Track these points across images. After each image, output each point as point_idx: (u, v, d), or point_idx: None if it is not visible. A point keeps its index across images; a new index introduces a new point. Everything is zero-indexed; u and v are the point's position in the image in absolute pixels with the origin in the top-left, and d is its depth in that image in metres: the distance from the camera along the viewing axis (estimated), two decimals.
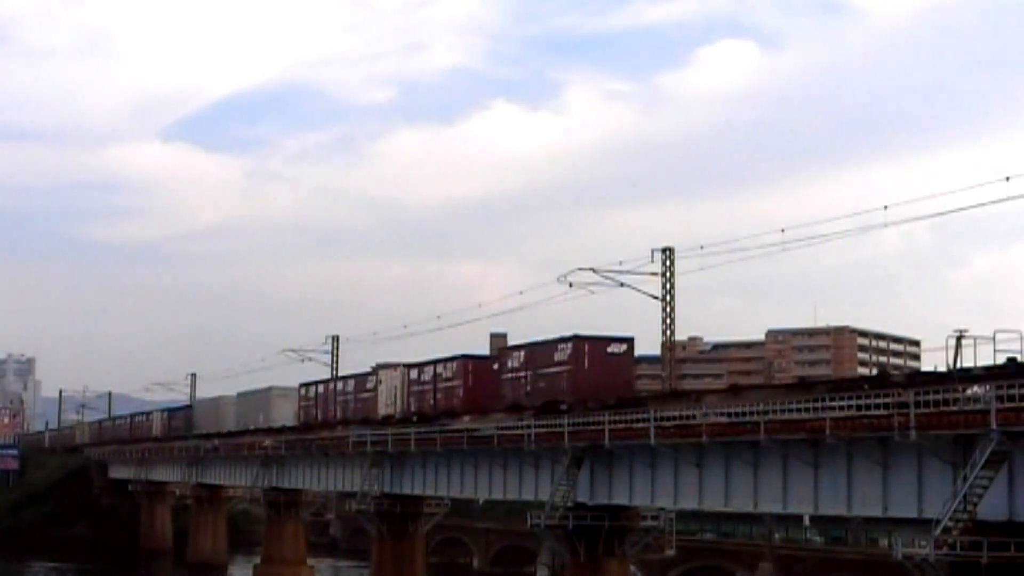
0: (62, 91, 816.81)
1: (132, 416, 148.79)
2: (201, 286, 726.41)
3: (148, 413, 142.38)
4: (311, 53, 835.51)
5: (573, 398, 57.94)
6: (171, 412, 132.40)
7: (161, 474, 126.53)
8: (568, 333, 59.81)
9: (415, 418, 71.57)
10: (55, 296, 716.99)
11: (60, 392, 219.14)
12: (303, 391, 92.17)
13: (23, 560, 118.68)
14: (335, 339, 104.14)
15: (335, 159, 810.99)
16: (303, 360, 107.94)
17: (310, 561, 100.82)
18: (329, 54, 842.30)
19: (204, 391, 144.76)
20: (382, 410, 75.99)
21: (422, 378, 72.19)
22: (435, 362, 71.14)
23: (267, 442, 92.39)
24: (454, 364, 69.25)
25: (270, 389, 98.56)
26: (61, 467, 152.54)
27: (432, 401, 70.78)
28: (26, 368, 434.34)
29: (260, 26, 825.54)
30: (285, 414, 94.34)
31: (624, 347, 58.92)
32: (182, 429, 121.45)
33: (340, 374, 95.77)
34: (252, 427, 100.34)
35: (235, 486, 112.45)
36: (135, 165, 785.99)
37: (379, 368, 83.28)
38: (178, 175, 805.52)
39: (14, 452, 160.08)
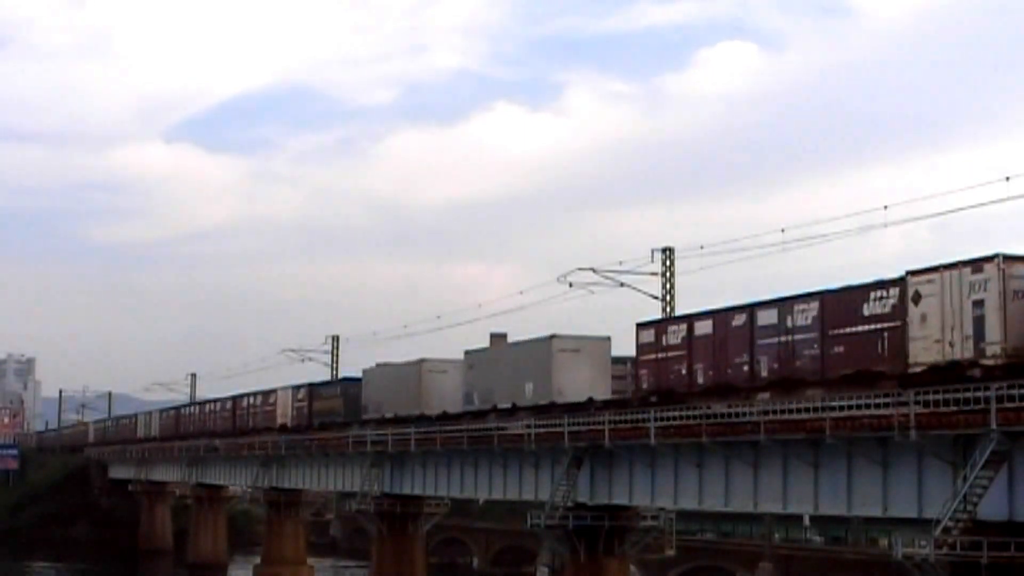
0: (65, 92, 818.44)
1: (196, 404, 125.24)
2: (202, 286, 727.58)
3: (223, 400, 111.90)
4: (314, 54, 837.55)
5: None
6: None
7: (161, 474, 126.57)
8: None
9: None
10: (55, 296, 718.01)
11: (60, 392, 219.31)
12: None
13: (23, 560, 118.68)
14: (335, 339, 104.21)
15: (337, 160, 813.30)
16: (303, 360, 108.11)
17: (310, 561, 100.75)
18: (332, 55, 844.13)
19: (204, 391, 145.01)
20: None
21: None
22: None
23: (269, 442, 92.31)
24: None
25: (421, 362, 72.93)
26: (61, 467, 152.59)
27: None
28: (26, 368, 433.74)
29: (263, 28, 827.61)
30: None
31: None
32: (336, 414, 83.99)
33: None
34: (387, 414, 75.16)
35: (235, 486, 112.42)
36: (137, 166, 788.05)
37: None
38: (180, 176, 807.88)
39: (14, 452, 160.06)
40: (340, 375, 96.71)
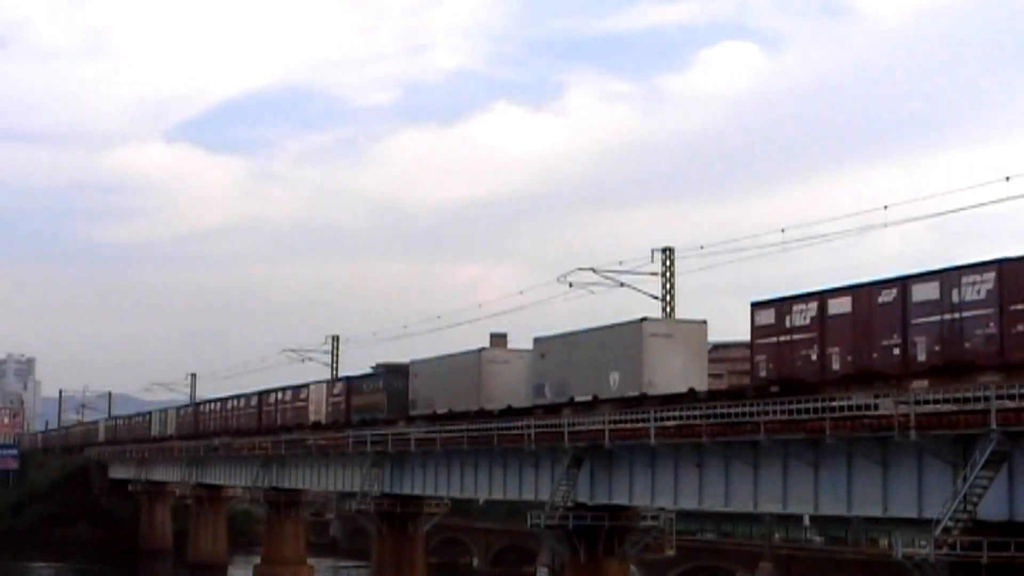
0: (65, 92, 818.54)
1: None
2: (202, 286, 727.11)
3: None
4: (315, 55, 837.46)
5: None
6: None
7: (161, 474, 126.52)
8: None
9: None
10: (55, 296, 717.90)
11: (60, 392, 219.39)
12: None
13: (23, 560, 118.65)
14: (335, 339, 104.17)
15: (337, 160, 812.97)
16: (303, 360, 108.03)
17: (310, 561, 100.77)
18: (333, 56, 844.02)
19: (204, 391, 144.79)
20: None
21: None
22: None
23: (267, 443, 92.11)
24: None
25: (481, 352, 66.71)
26: (61, 467, 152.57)
27: None
28: (26, 368, 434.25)
29: (264, 28, 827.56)
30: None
31: None
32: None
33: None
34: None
35: (235, 486, 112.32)
36: (138, 166, 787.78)
37: None
38: (181, 176, 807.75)
39: (14, 452, 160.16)
40: (340, 375, 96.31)
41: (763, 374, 45.76)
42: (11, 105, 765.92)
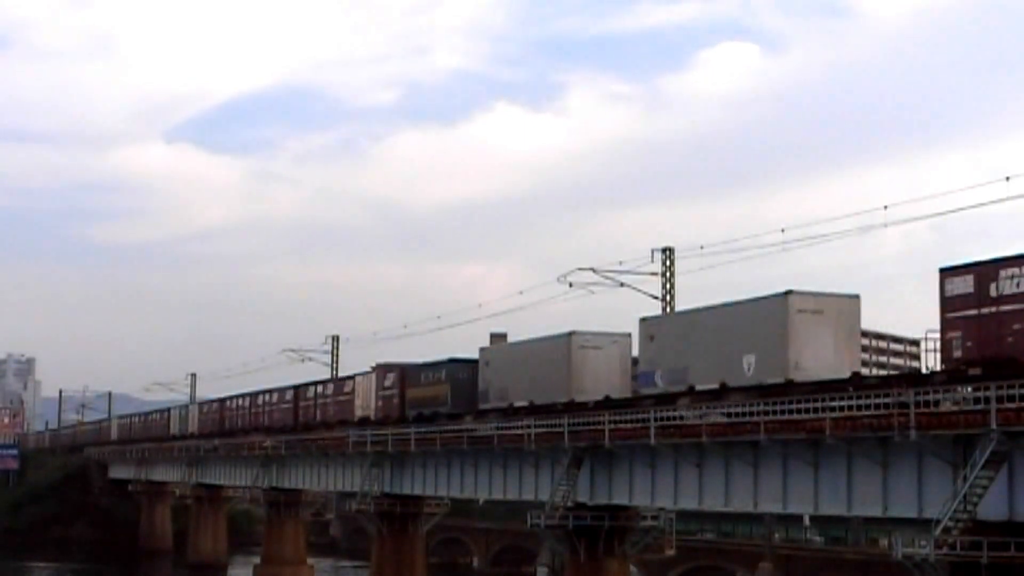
0: (67, 93, 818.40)
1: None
2: (202, 286, 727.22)
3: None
4: (316, 56, 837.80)
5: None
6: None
7: (161, 474, 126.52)
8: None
9: None
10: (55, 296, 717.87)
11: (60, 392, 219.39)
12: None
13: (23, 560, 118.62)
14: (335, 339, 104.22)
15: (338, 160, 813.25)
16: (303, 360, 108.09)
17: (310, 561, 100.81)
18: (334, 57, 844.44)
19: (204, 391, 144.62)
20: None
21: None
22: None
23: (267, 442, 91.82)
24: None
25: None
26: (61, 467, 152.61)
27: None
28: (26, 368, 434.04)
29: (265, 29, 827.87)
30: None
31: None
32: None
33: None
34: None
35: (235, 486, 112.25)
36: (138, 166, 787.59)
37: None
38: (181, 176, 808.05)
39: (14, 452, 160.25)
40: (340, 375, 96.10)
41: (958, 354, 39.07)
42: (12, 105, 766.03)
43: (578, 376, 57.11)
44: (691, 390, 49.48)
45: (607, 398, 55.48)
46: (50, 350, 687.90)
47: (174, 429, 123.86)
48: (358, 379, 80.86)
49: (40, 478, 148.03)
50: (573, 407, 56.17)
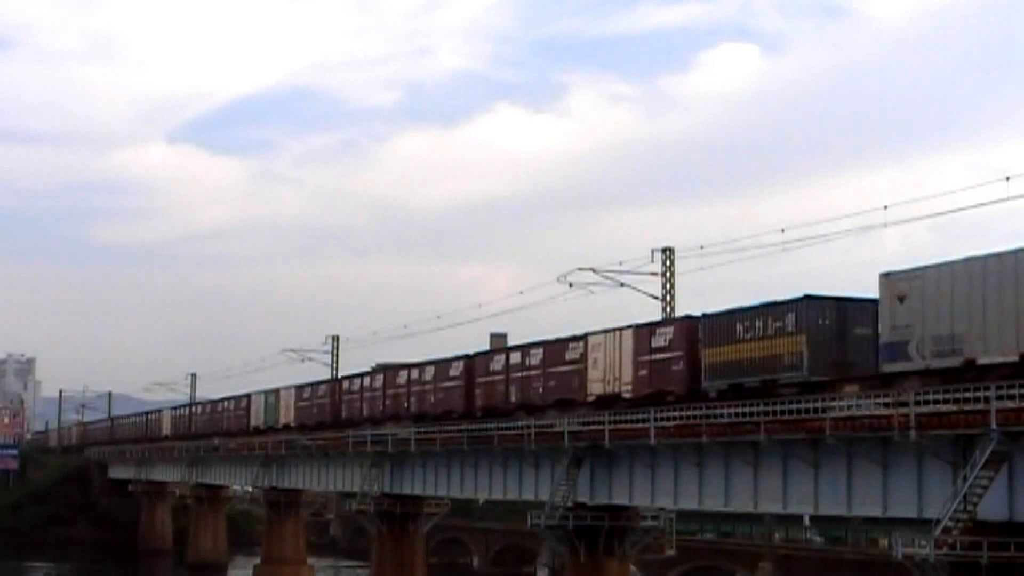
0: (69, 94, 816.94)
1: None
2: (202, 286, 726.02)
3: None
4: (318, 57, 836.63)
5: None
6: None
7: (161, 474, 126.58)
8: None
9: None
10: (55, 296, 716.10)
11: (60, 392, 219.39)
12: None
13: (23, 560, 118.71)
14: (335, 339, 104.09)
15: (340, 161, 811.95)
16: (303, 360, 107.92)
17: (310, 561, 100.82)
18: (335, 58, 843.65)
19: (204, 391, 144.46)
20: None
21: None
22: None
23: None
24: None
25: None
26: (61, 467, 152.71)
27: None
28: (26, 368, 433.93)
29: (267, 30, 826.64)
30: None
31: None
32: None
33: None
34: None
35: (235, 486, 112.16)
36: (140, 167, 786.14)
37: None
38: (183, 177, 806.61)
39: (14, 452, 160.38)
40: (340, 375, 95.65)
41: None
42: (15, 106, 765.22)
43: None
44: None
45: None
46: (50, 350, 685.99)
47: (256, 421, 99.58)
48: (592, 340, 55.02)
49: (40, 478, 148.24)
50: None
